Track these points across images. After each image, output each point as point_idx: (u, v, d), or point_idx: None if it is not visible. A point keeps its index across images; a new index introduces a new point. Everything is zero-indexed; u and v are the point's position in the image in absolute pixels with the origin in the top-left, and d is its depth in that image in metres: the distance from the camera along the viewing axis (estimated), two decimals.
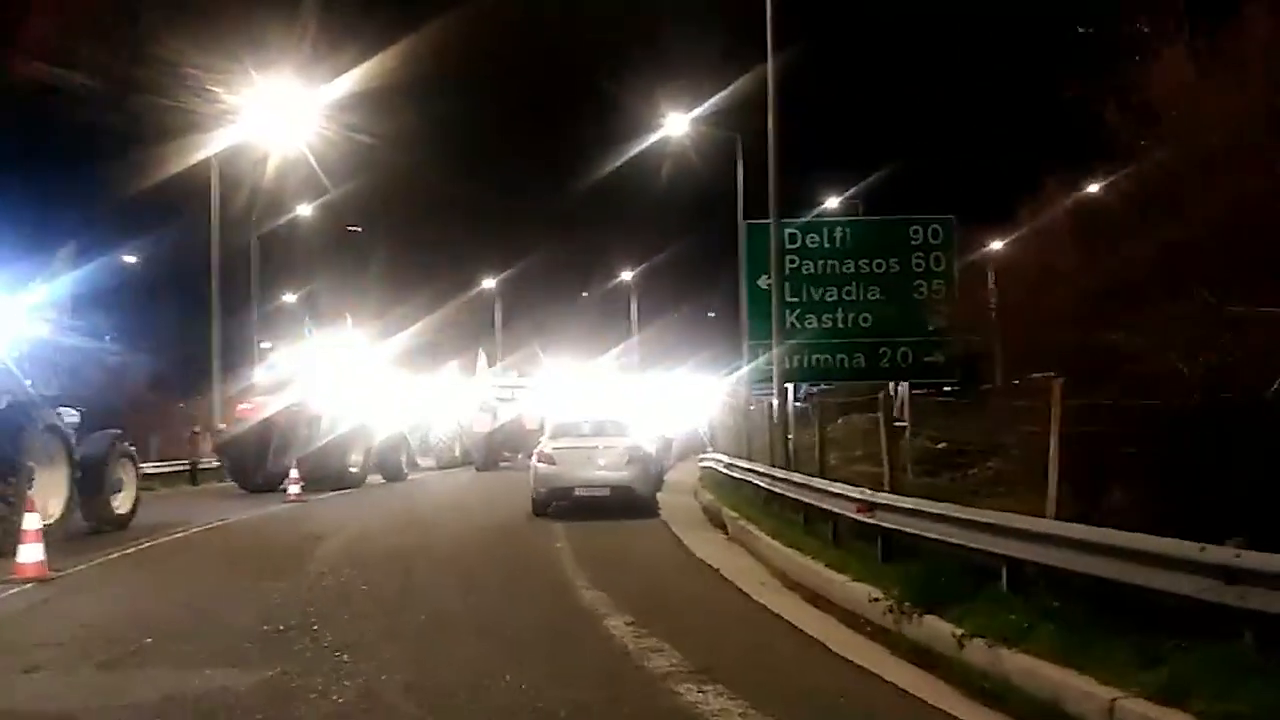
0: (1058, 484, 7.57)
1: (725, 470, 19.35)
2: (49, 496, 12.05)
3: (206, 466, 24.58)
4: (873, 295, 18.20)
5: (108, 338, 18.61)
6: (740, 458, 20.06)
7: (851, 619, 8.17)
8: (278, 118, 28.79)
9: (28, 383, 12.76)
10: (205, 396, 27.36)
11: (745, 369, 32.19)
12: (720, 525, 14.71)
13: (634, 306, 54.36)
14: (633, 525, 14.03)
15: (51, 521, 11.53)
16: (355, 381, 22.87)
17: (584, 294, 53.74)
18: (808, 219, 18.00)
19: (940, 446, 19.52)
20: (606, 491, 14.64)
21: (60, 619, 8.20)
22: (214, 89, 29.30)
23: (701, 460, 22.97)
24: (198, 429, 25.50)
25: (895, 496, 9.25)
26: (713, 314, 53.47)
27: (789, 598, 9.24)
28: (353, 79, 29.03)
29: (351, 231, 34.64)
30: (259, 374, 23.78)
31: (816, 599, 9.05)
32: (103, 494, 13.66)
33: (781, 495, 13.10)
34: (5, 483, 11.51)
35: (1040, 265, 12.61)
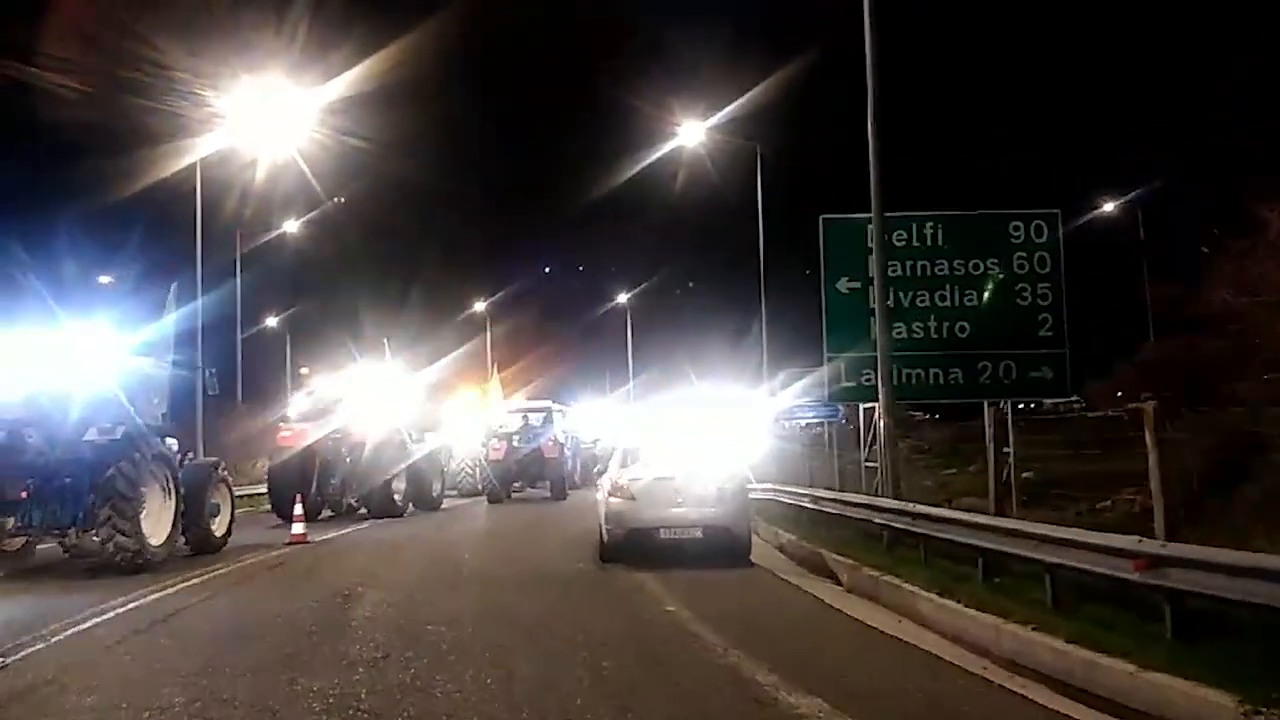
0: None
1: (789, 500, 16.69)
2: (156, 522, 12.72)
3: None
4: (970, 301, 15.62)
5: (210, 371, 18.39)
6: (799, 485, 17.42)
7: None
8: (267, 122, 26.29)
9: (134, 413, 13.09)
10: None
11: (792, 385, 30.07)
12: (823, 571, 11.95)
13: (629, 326, 51.76)
14: (732, 575, 11.18)
15: (159, 544, 12.51)
16: (395, 407, 21.84)
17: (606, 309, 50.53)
18: (894, 214, 15.41)
19: (1026, 475, 17.01)
20: (698, 533, 11.69)
21: None
22: (201, 92, 26.78)
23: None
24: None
25: (1200, 549, 6.53)
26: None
27: (1057, 697, 6.45)
28: (346, 81, 26.51)
29: (337, 203, 31.57)
30: (296, 400, 23.06)
31: (1109, 704, 6.20)
32: (202, 519, 14.05)
33: (924, 536, 10.39)
34: (122, 509, 12.01)
35: None
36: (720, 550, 11.85)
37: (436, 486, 23.19)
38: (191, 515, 13.73)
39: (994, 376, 15.52)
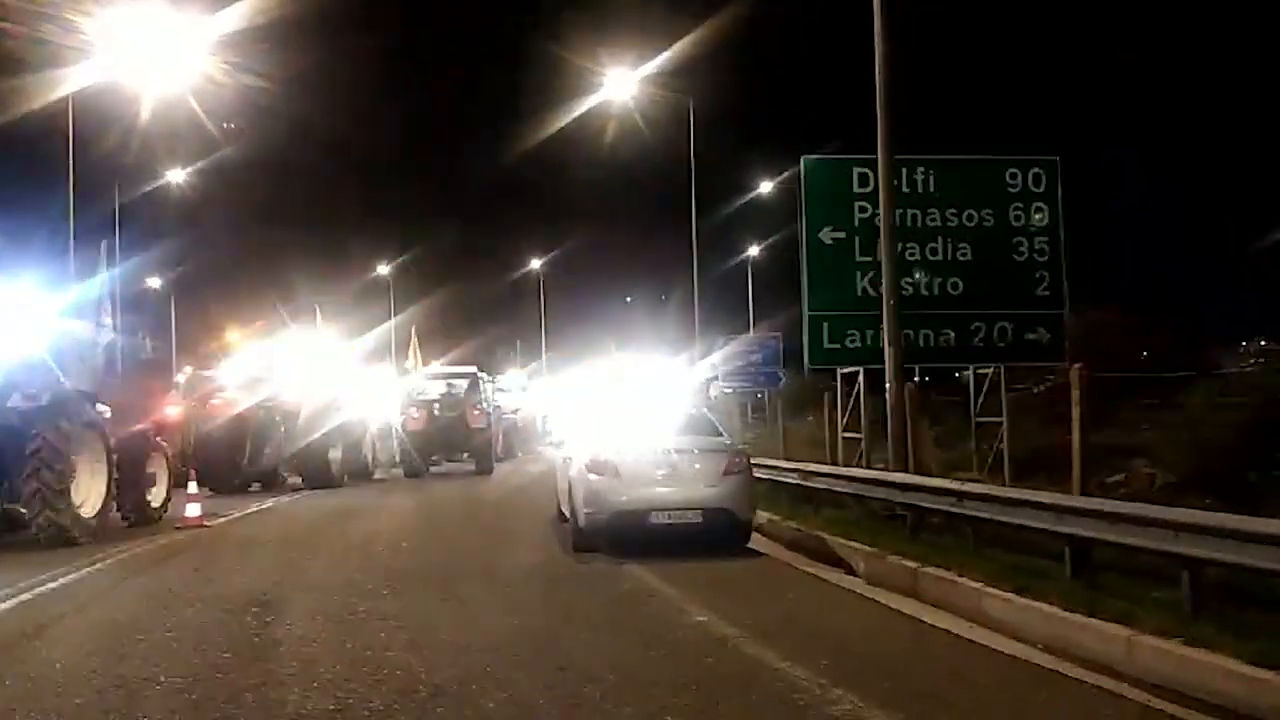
0: None
1: (764, 475, 14.86)
2: (88, 491, 12.13)
3: None
4: (963, 255, 14.02)
5: (141, 334, 17.50)
6: (769, 457, 15.61)
7: None
8: (149, 53, 23.07)
9: (64, 378, 12.38)
10: None
11: (723, 350, 28.34)
12: (827, 558, 10.16)
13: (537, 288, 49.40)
14: (740, 566, 9.19)
15: (91, 516, 11.92)
16: (326, 375, 20.68)
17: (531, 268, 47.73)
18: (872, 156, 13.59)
19: (1000, 447, 15.60)
20: (697, 517, 9.58)
21: None
22: (71, 17, 23.33)
23: None
24: None
25: None
26: (629, 299, 49.13)
27: None
28: (240, 13, 23.42)
29: (228, 129, 28.02)
30: (225, 368, 21.51)
31: None
32: (138, 489, 13.53)
33: (976, 520, 8.61)
34: (48, 480, 11.35)
35: None
36: (710, 534, 9.92)
37: (370, 457, 21.91)
38: (127, 486, 13.06)
39: (987, 338, 14.02)
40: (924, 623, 7.11)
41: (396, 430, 22.72)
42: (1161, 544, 6.40)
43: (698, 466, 9.77)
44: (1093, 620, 6.40)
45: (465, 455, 23.29)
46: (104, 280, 16.09)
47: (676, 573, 8.66)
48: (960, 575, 7.94)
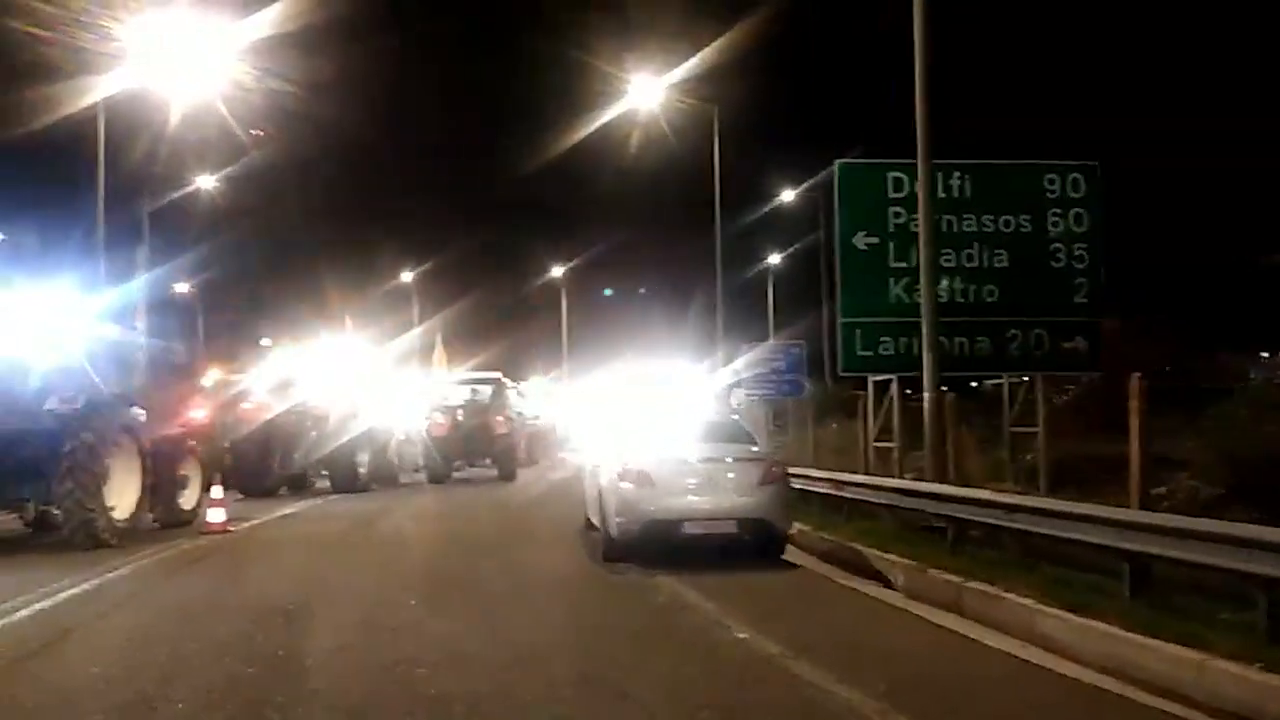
0: None
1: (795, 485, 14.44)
2: (122, 494, 12.07)
3: None
4: (999, 261, 13.65)
5: (172, 339, 17.28)
6: (798, 466, 15.21)
7: None
8: (180, 60, 22.99)
9: (100, 382, 12.23)
10: None
11: (746, 358, 27.92)
12: (862, 570, 9.78)
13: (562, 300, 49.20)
14: (776, 579, 8.84)
15: (123, 518, 11.88)
16: (355, 380, 20.88)
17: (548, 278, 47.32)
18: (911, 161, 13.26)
19: (1028, 458, 15.17)
20: (732, 527, 9.28)
21: None
22: (104, 24, 23.31)
23: None
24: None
25: None
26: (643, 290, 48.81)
27: None
28: (270, 17, 23.31)
29: (256, 135, 27.73)
30: (255, 373, 21.46)
31: None
32: (171, 492, 13.50)
33: (1025, 534, 8.21)
34: (83, 481, 11.29)
35: None
36: (746, 545, 9.58)
37: (396, 462, 21.99)
38: (160, 489, 13.02)
39: (1024, 347, 13.64)
40: (975, 641, 6.76)
41: (421, 435, 22.49)
42: (1236, 563, 6.02)
43: (733, 475, 9.42)
44: (1159, 642, 6.03)
45: (488, 461, 23.03)
46: (140, 284, 16.05)
47: (711, 585, 8.34)
48: (1008, 591, 7.57)
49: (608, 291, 50.58)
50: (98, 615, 7.78)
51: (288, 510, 16.20)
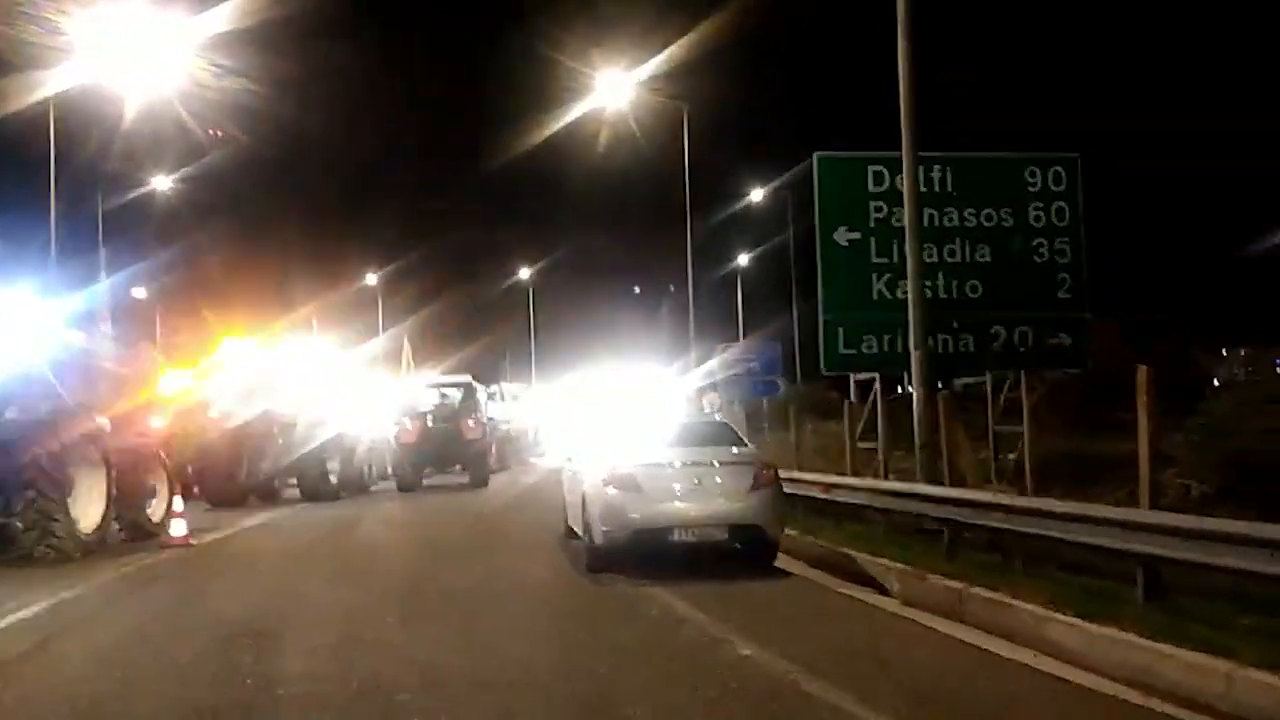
0: None
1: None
2: (87, 505, 11.70)
3: None
4: (981, 256, 13.39)
5: (130, 344, 16.52)
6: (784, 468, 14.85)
7: None
8: (134, 55, 22.17)
9: (62, 390, 11.79)
10: None
11: (717, 359, 27.54)
12: (855, 576, 9.40)
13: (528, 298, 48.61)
14: (771, 588, 8.43)
15: (88, 531, 11.50)
16: (322, 385, 20.14)
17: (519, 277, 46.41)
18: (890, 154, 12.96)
19: (1011, 456, 14.94)
20: (723, 534, 8.84)
21: None
22: (53, 17, 22.43)
23: None
24: None
25: None
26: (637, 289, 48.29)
27: None
28: (228, 13, 22.56)
29: (214, 135, 26.69)
30: (214, 380, 20.22)
31: None
32: (138, 504, 13.07)
33: (1022, 536, 7.87)
34: (45, 490, 10.91)
35: None
36: (737, 552, 9.16)
37: (365, 469, 21.29)
38: (125, 499, 12.57)
39: (1008, 344, 13.38)
40: (987, 652, 6.41)
41: (389, 442, 21.82)
42: (1262, 565, 5.70)
43: (723, 480, 8.99)
44: (1182, 650, 5.70)
45: (459, 467, 22.40)
46: (104, 289, 15.38)
47: (703, 596, 7.91)
48: (1015, 598, 7.22)
49: (636, 289, 49.71)
50: (45, 640, 7.19)
51: (256, 520, 15.58)
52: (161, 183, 29.59)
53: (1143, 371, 6.97)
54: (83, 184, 26.19)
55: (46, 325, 12.33)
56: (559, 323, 47.62)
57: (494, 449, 25.22)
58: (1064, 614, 6.69)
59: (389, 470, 22.36)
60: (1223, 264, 31.25)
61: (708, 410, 24.07)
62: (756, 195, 36.10)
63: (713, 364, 26.15)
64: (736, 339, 35.84)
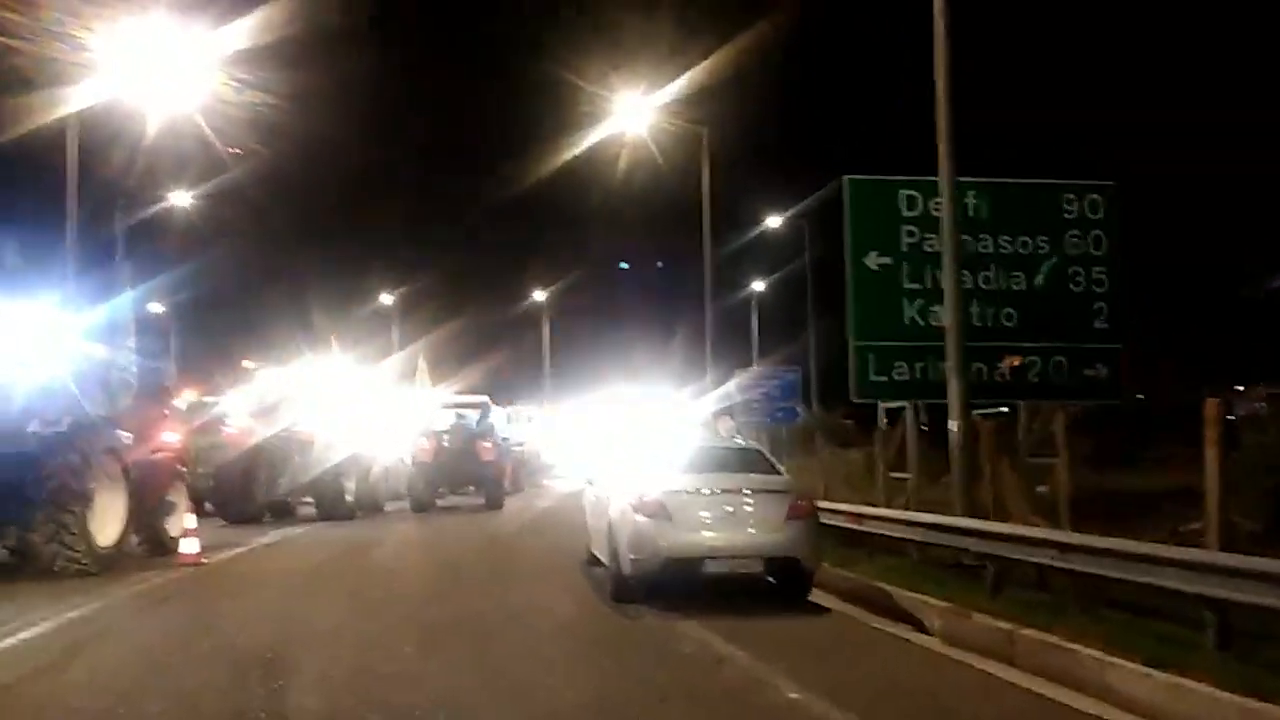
0: None
1: None
2: (107, 520, 11.54)
3: None
4: (1016, 284, 12.98)
5: (155, 360, 16.28)
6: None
7: None
8: (156, 71, 22.08)
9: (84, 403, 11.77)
10: None
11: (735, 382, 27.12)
12: (890, 611, 8.96)
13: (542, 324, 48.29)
14: (811, 624, 8.03)
15: (107, 545, 11.36)
16: (340, 403, 19.97)
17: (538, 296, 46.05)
18: (926, 178, 12.63)
19: (1041, 490, 14.46)
20: (758, 565, 8.46)
21: None
22: (76, 34, 22.35)
23: None
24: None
25: None
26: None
27: None
28: (249, 29, 22.45)
29: (233, 153, 26.43)
30: (239, 395, 20.55)
31: None
32: (156, 518, 12.93)
33: (1080, 575, 7.40)
34: (65, 503, 10.76)
35: None
36: (772, 585, 8.73)
37: (381, 488, 20.90)
38: (144, 514, 12.42)
39: (1043, 373, 12.94)
40: (1052, 700, 5.97)
41: (404, 461, 21.46)
42: None
43: (757, 509, 8.56)
44: (1269, 706, 5.26)
45: (473, 489, 22.00)
46: (129, 302, 15.17)
47: (739, 631, 7.49)
48: (1073, 642, 6.78)
49: (624, 265, 49.47)
50: (48, 665, 6.81)
51: (270, 539, 15.24)
52: (181, 198, 29.42)
53: (1211, 404, 6.56)
54: (103, 199, 26.06)
55: (68, 338, 12.20)
56: (574, 344, 47.29)
57: (510, 470, 24.84)
58: (1131, 661, 6.26)
59: (402, 490, 21.96)
60: (1222, 302, 30.81)
61: (724, 435, 23.64)
62: (774, 221, 35.84)
63: (729, 388, 25.71)
64: (750, 364, 35.48)
